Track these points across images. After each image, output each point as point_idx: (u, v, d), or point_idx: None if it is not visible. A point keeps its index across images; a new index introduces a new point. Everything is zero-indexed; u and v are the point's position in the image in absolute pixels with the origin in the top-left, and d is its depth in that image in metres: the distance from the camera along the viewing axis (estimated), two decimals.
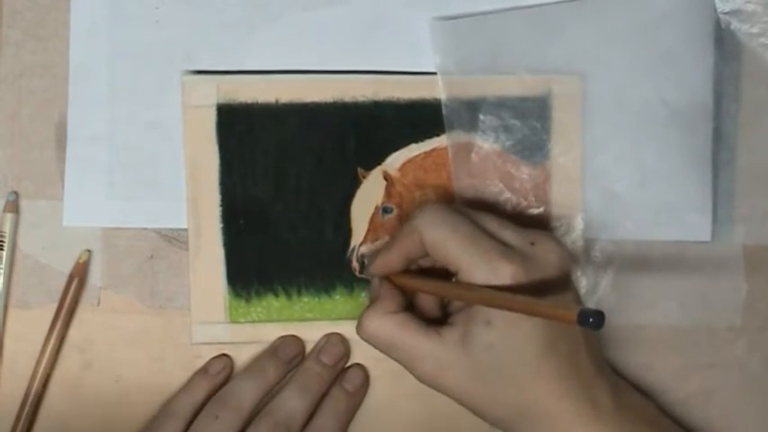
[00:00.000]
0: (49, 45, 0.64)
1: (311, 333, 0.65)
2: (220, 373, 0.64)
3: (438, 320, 0.60)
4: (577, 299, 0.61)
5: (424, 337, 0.59)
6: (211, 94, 0.64)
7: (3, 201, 0.64)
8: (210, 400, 0.63)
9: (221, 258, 0.64)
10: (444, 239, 0.58)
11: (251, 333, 0.65)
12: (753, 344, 0.66)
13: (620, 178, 0.65)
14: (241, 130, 0.64)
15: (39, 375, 0.64)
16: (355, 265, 0.65)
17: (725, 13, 0.65)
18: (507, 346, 0.57)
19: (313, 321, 0.65)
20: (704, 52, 0.65)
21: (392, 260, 0.60)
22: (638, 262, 0.66)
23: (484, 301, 0.56)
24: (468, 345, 0.57)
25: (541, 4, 0.65)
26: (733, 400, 0.66)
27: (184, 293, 0.64)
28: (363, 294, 0.65)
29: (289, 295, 0.65)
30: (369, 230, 0.65)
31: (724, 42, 0.65)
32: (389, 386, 0.66)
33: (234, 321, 0.65)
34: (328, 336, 0.65)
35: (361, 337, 0.60)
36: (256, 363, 0.64)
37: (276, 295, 0.65)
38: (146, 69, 0.64)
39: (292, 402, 0.63)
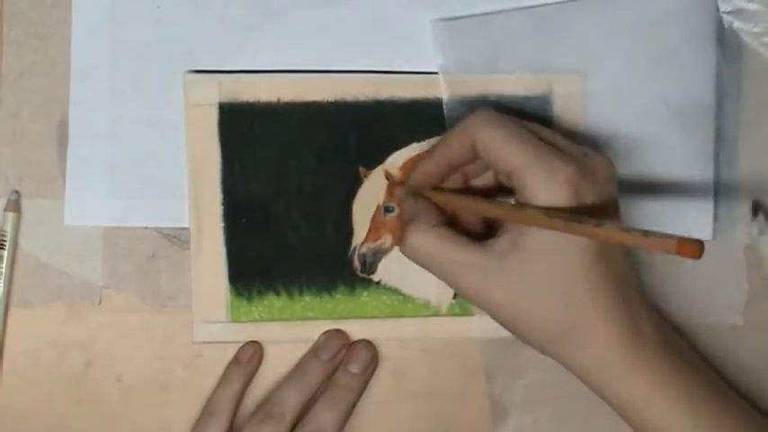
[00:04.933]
0: (50, 44, 0.64)
1: (312, 332, 0.65)
2: (252, 360, 0.64)
3: (481, 237, 0.59)
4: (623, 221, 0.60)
5: (469, 249, 0.57)
6: (213, 93, 0.64)
7: (4, 200, 0.64)
8: (257, 408, 0.64)
9: (223, 257, 0.64)
10: (499, 140, 0.57)
11: (252, 332, 0.65)
12: (754, 343, 0.66)
13: (621, 177, 0.65)
14: (243, 128, 0.64)
15: None
16: (357, 264, 0.65)
17: (727, 13, 0.65)
18: (558, 251, 0.56)
19: (314, 320, 0.65)
20: (706, 51, 0.65)
21: (435, 165, 0.59)
22: (639, 261, 0.66)
23: (539, 221, 0.54)
24: (519, 250, 0.56)
25: (543, 4, 0.65)
26: None
27: (186, 292, 0.64)
28: (365, 294, 0.65)
29: (290, 294, 0.65)
30: (370, 230, 0.65)
31: (726, 42, 0.65)
32: (390, 387, 0.66)
33: (235, 320, 0.65)
34: (356, 342, 0.65)
35: (404, 253, 0.59)
36: (299, 366, 0.65)
37: (277, 294, 0.65)
38: (147, 68, 0.64)
39: (324, 415, 0.63)
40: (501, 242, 0.57)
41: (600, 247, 0.56)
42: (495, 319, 0.58)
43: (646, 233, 0.51)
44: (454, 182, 0.61)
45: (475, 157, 0.58)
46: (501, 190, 0.61)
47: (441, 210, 0.60)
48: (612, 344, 0.57)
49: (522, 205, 0.56)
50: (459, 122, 0.59)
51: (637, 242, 0.51)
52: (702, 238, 0.64)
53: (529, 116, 0.64)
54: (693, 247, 0.49)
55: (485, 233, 0.60)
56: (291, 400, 0.63)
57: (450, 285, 0.59)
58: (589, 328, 0.57)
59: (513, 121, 0.58)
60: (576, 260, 0.56)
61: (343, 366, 0.64)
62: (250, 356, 0.64)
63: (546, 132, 0.59)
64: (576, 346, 0.57)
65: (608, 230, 0.52)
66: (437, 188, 0.61)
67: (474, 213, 0.60)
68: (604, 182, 0.57)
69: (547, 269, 0.56)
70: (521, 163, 0.56)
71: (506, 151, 0.57)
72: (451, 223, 0.60)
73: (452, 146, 0.59)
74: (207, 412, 0.63)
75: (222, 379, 0.64)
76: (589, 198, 0.56)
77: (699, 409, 0.58)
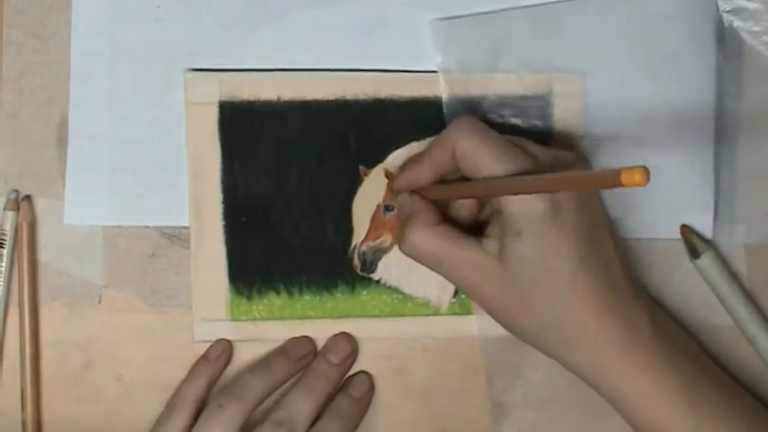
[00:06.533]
0: (50, 44, 0.64)
1: (313, 331, 0.65)
2: (220, 357, 0.64)
3: (473, 232, 0.60)
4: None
5: (467, 247, 0.58)
6: (213, 91, 0.64)
7: (3, 199, 0.64)
8: (216, 390, 0.63)
9: (223, 256, 0.64)
10: (476, 148, 0.57)
11: (252, 331, 0.65)
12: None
13: None
14: (243, 127, 0.64)
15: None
16: (357, 263, 0.65)
17: (727, 12, 0.65)
18: (539, 259, 0.56)
19: (314, 319, 0.65)
20: (706, 51, 0.65)
21: (422, 173, 0.60)
22: (639, 261, 0.66)
23: (517, 188, 0.55)
24: (503, 257, 0.57)
25: (543, 4, 0.65)
26: None
27: (186, 291, 0.64)
28: (365, 293, 0.65)
29: (290, 293, 0.65)
30: (370, 228, 0.65)
31: (725, 41, 0.65)
32: (390, 386, 0.66)
33: (235, 319, 0.65)
34: (336, 335, 0.65)
35: (405, 252, 0.60)
36: (264, 359, 0.64)
37: (278, 293, 0.65)
38: (147, 67, 0.64)
39: (298, 403, 0.63)
40: (490, 245, 0.58)
41: (586, 249, 0.57)
42: (491, 316, 0.59)
43: (589, 174, 0.54)
44: None
45: (456, 166, 0.59)
46: None
47: (436, 206, 0.60)
48: (605, 343, 0.57)
49: (486, 179, 0.57)
50: (441, 133, 0.60)
51: (582, 183, 0.53)
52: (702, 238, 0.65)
53: (528, 116, 0.64)
54: (639, 174, 0.46)
55: (476, 227, 0.61)
56: (253, 386, 0.62)
57: (450, 280, 0.60)
58: (580, 329, 0.57)
59: (492, 131, 0.58)
60: (558, 266, 0.56)
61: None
62: (219, 354, 0.64)
63: (517, 138, 0.59)
64: (569, 347, 0.58)
65: (554, 177, 0.54)
66: None
67: (461, 197, 0.60)
68: None
69: (530, 276, 0.57)
70: (495, 172, 0.56)
71: (481, 160, 0.57)
72: (445, 220, 0.60)
73: (436, 154, 0.59)
74: (170, 405, 0.63)
75: (188, 375, 0.64)
76: (567, 203, 0.56)
77: (696, 402, 0.58)
